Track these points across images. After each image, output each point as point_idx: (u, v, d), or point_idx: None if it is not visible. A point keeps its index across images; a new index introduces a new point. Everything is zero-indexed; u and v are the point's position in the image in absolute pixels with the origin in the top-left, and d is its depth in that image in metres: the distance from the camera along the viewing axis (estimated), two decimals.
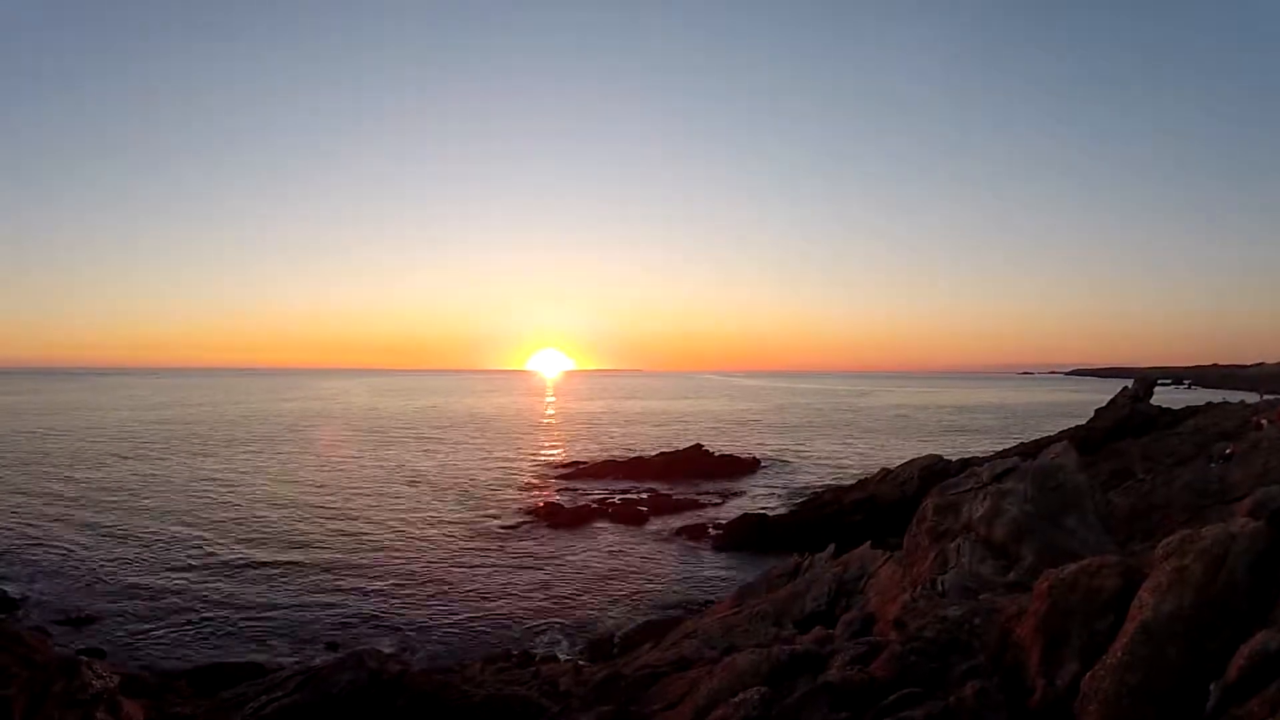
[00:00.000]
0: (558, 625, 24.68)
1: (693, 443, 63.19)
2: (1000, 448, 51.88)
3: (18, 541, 34.39)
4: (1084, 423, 51.73)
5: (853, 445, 79.58)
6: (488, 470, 59.03)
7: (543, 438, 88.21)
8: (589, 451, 71.18)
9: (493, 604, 26.61)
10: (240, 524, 38.46)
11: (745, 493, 49.45)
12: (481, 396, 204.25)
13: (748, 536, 34.96)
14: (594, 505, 43.34)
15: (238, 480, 52.41)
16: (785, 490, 50.19)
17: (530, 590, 28.28)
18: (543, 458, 67.25)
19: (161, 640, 22.95)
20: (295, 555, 32.52)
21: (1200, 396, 74.01)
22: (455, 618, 25.13)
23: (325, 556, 32.36)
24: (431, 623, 24.65)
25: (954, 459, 41.17)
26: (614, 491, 48.69)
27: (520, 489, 50.22)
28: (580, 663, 17.15)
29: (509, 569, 31.03)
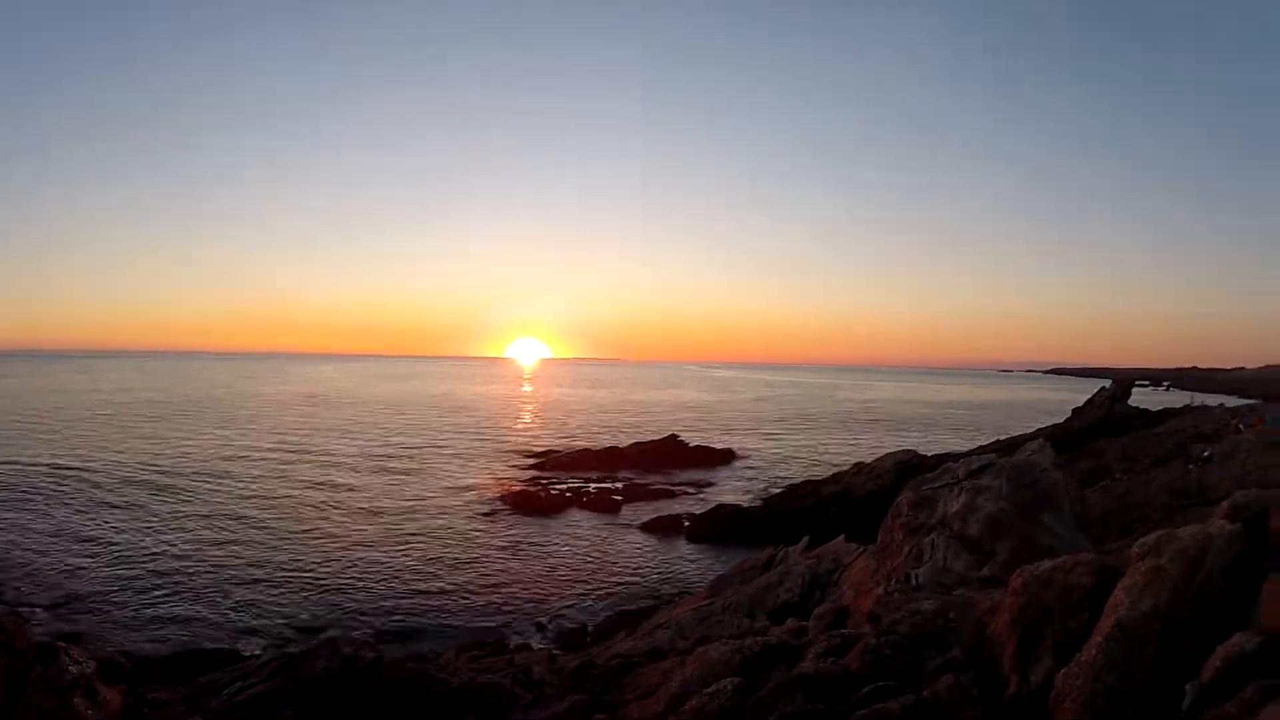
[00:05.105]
0: (531, 614, 24.60)
1: (668, 433, 63.22)
2: (977, 444, 52.47)
3: None
4: (1061, 421, 52.40)
5: (828, 438, 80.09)
6: (461, 458, 58.69)
7: (518, 426, 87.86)
8: (564, 440, 70.98)
9: (467, 592, 26.47)
10: (216, 510, 37.94)
11: (719, 484, 49.61)
12: (458, 383, 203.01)
13: (722, 528, 35.08)
14: (568, 494, 43.27)
15: (215, 465, 51.65)
16: (760, 482, 50.41)
17: (504, 579, 28.16)
18: (517, 446, 66.94)
19: (138, 625, 22.60)
20: (270, 542, 32.13)
21: (1178, 399, 75.11)
22: (429, 606, 24.97)
23: (299, 543, 32.00)
24: (405, 610, 24.46)
25: (930, 454, 41.53)
26: (588, 481, 48.61)
27: (494, 477, 49.97)
28: (554, 651, 17.07)
29: (483, 557, 30.87)
